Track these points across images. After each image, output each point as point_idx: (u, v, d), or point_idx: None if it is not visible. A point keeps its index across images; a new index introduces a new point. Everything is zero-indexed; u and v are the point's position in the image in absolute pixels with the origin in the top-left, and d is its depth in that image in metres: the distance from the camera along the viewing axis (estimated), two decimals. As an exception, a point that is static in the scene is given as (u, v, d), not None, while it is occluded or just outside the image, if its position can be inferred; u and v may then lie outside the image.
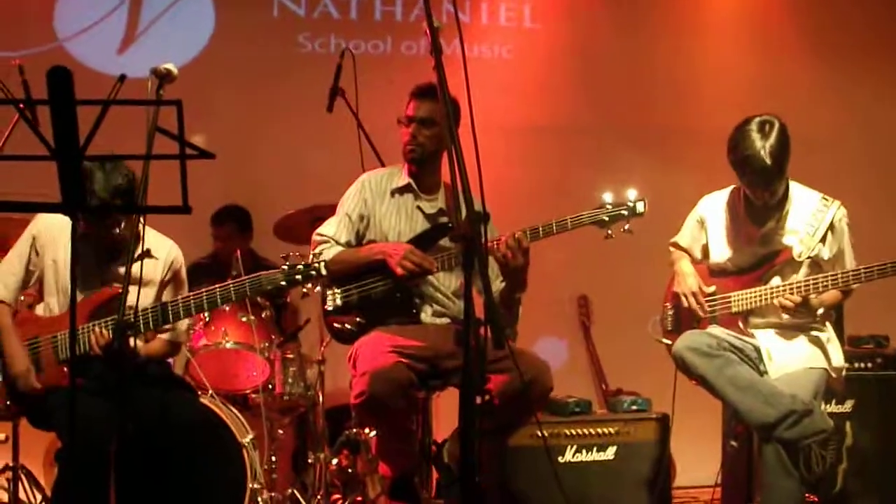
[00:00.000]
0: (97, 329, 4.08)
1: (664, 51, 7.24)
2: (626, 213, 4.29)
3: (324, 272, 4.06)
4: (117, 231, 4.25)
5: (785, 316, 4.42)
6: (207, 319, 5.27)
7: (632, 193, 4.29)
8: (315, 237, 4.59)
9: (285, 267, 4.05)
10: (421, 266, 4.33)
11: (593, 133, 6.98)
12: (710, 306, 4.59)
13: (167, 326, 4.41)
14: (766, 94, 6.91)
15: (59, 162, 2.84)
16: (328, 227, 4.58)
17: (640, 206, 4.29)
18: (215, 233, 6.42)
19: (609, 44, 7.18)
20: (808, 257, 4.43)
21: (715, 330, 4.54)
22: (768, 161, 4.26)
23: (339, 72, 5.50)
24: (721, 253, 4.64)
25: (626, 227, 4.30)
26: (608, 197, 4.30)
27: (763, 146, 4.25)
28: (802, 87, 7.25)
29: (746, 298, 4.50)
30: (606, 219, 4.29)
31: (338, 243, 4.53)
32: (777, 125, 4.32)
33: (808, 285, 4.38)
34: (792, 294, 4.37)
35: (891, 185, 7.29)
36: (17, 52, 6.12)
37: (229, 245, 6.24)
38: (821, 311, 4.48)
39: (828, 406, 5.09)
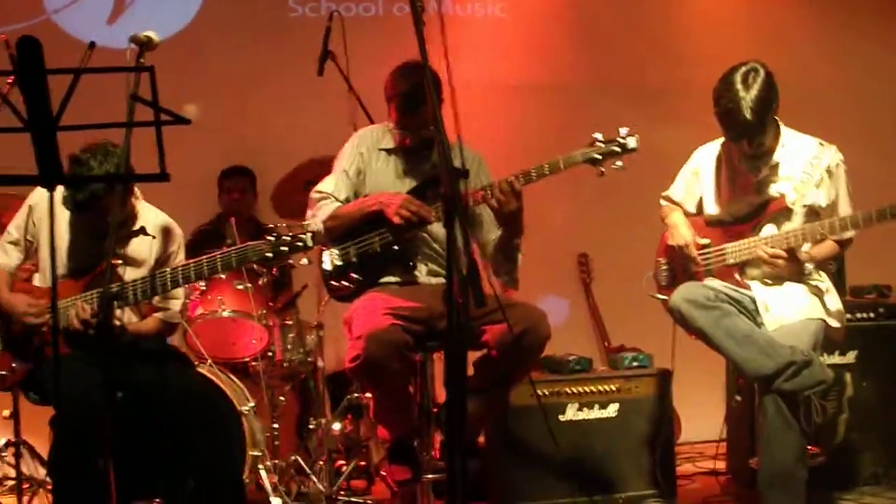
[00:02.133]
0: (78, 303, 4.07)
1: (658, 5, 7.18)
2: (617, 149, 4.20)
3: (311, 244, 4.03)
4: (111, 218, 4.21)
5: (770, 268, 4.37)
6: (204, 288, 5.25)
7: (622, 130, 4.22)
8: (313, 195, 4.56)
9: (271, 238, 4.02)
10: (418, 214, 4.29)
11: (587, 90, 6.93)
12: (704, 258, 4.55)
13: (161, 304, 4.41)
14: (761, 47, 6.81)
15: (33, 133, 2.81)
16: (326, 184, 4.56)
17: (631, 142, 4.19)
18: (230, 185, 6.34)
19: (602, 0, 7.11)
20: (804, 205, 4.38)
21: (712, 282, 4.50)
22: (748, 115, 4.20)
23: (329, 35, 5.49)
24: (716, 204, 4.59)
25: (619, 163, 4.21)
26: (599, 135, 4.23)
27: (745, 98, 4.20)
28: (797, 39, 7.19)
29: (740, 249, 4.45)
30: (598, 156, 4.20)
31: (337, 199, 4.51)
32: (762, 74, 4.26)
33: (794, 236, 4.34)
34: (775, 246, 4.33)
35: (887, 132, 7.22)
36: (7, 26, 6.08)
37: (241, 203, 6.23)
38: (810, 265, 4.44)
39: (830, 357, 5.07)
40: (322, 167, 4.87)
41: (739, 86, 4.22)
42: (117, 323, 4.21)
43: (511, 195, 4.17)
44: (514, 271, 4.47)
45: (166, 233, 4.45)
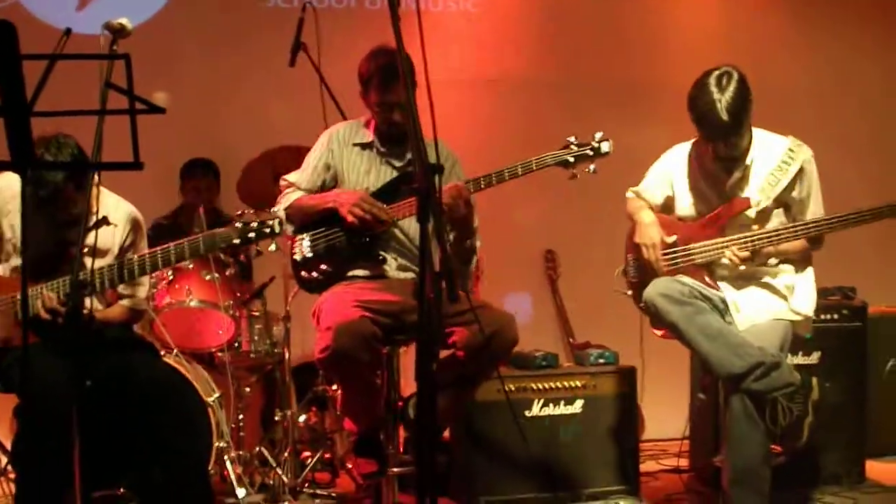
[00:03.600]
0: (44, 292, 4.04)
1: (633, 3, 7.19)
2: (590, 153, 4.26)
3: (278, 230, 4.02)
4: (74, 211, 4.17)
5: (742, 267, 4.40)
6: (171, 278, 5.22)
7: (597, 134, 4.26)
8: (281, 182, 4.62)
9: (239, 225, 4.01)
10: (372, 213, 4.30)
11: (561, 87, 6.93)
12: (671, 258, 4.57)
13: (126, 291, 4.38)
14: (738, 47, 6.89)
15: (6, 119, 2.79)
16: (293, 174, 4.60)
17: (604, 146, 4.25)
18: (193, 184, 6.27)
19: (575, -4, 7.14)
20: (765, 207, 4.41)
21: (684, 279, 4.52)
22: (725, 117, 4.23)
23: (301, 26, 5.48)
24: (687, 205, 4.61)
25: (592, 167, 4.27)
26: (572, 138, 4.27)
27: (720, 100, 4.23)
28: (774, 40, 7.24)
29: (707, 250, 4.48)
30: (571, 159, 4.26)
31: (299, 188, 4.54)
32: (735, 77, 4.28)
33: (760, 238, 4.37)
34: (741, 248, 4.36)
35: (867, 135, 7.30)
36: (-25, 9, 6.03)
37: (205, 196, 6.19)
38: (772, 261, 4.48)
39: (794, 357, 5.11)
40: (293, 156, 4.86)
41: (714, 88, 4.25)
42: (85, 311, 4.18)
43: (459, 200, 4.20)
44: (466, 272, 4.49)
45: (129, 221, 4.43)
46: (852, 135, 7.19)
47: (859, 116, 7.34)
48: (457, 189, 4.21)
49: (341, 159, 4.53)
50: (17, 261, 4.30)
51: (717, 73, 4.30)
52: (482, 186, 4.27)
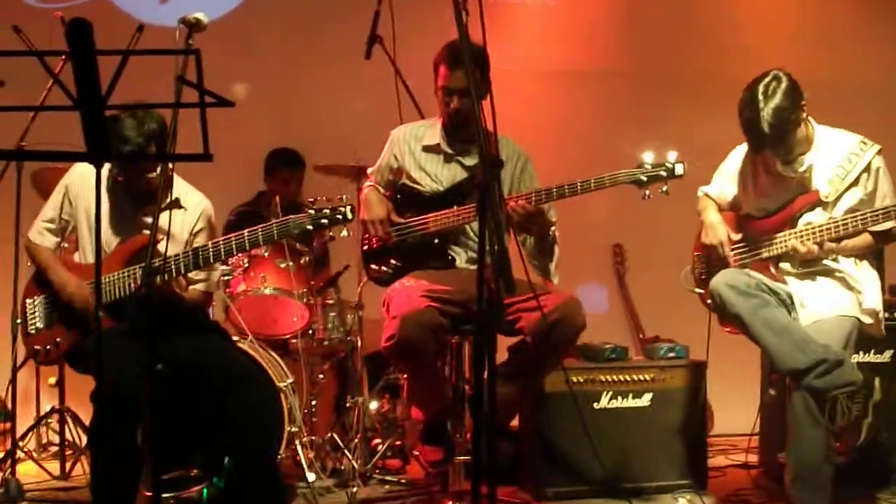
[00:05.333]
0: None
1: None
2: (664, 174, 4.29)
3: (350, 216, 4.12)
4: (151, 176, 4.31)
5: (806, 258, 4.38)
6: (247, 266, 5.32)
7: (671, 155, 4.29)
8: (367, 171, 4.84)
9: (311, 212, 4.10)
10: (377, 236, 4.58)
11: (635, 79, 6.94)
12: (739, 254, 4.58)
13: (201, 276, 4.49)
14: (808, 41, 6.83)
15: (82, 112, 2.89)
16: (373, 169, 4.80)
17: (679, 169, 4.28)
18: (284, 176, 6.31)
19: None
20: (839, 199, 4.38)
21: (751, 272, 4.52)
22: (765, 128, 4.23)
23: (377, 18, 5.52)
24: (754, 202, 4.61)
25: (664, 188, 4.30)
26: (648, 157, 4.29)
27: (763, 109, 4.21)
28: (846, 32, 7.14)
29: (774, 244, 4.47)
30: (644, 179, 4.29)
31: (375, 184, 4.72)
32: (784, 84, 4.26)
33: (827, 229, 4.35)
34: (806, 239, 4.34)
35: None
36: (62, 3, 6.20)
37: (293, 188, 6.27)
38: (833, 256, 4.44)
39: (866, 355, 5.05)
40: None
41: (760, 97, 4.24)
42: (176, 289, 4.32)
43: (527, 218, 4.28)
44: (548, 265, 4.53)
45: (199, 208, 4.56)
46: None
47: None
48: (521, 206, 4.27)
49: (408, 162, 4.63)
50: (89, 246, 4.45)
51: (766, 79, 4.28)
52: (554, 197, 4.32)
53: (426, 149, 4.63)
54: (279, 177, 6.31)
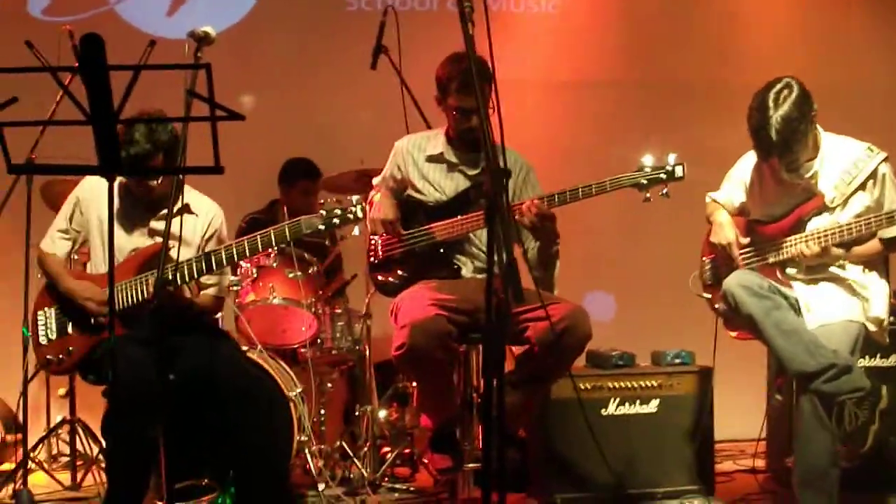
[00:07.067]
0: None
1: (710, 3, 7.19)
2: (664, 176, 4.32)
3: (360, 215, 4.20)
4: (152, 184, 4.36)
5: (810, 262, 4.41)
6: (255, 276, 5.36)
7: (671, 157, 4.32)
8: (374, 183, 4.84)
9: (322, 212, 4.16)
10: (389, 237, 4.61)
11: (638, 87, 6.95)
12: (746, 258, 4.60)
13: (212, 281, 4.53)
14: (814, 51, 6.84)
15: (94, 126, 2.93)
16: (378, 179, 4.81)
17: (678, 171, 4.31)
18: (304, 186, 6.25)
19: (653, -2, 7.16)
20: (844, 203, 4.40)
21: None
22: (774, 136, 4.25)
23: (383, 29, 5.57)
24: (762, 208, 4.64)
25: (665, 191, 4.33)
26: (648, 160, 4.32)
27: (773, 117, 4.24)
28: (850, 43, 7.14)
29: (780, 248, 4.50)
30: (645, 182, 4.32)
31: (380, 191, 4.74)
32: (795, 92, 4.28)
33: (832, 234, 4.37)
34: (812, 242, 4.37)
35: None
36: (71, 16, 6.25)
37: (312, 199, 6.14)
38: (841, 263, 4.46)
39: (872, 360, 5.07)
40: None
41: (770, 104, 4.26)
42: (187, 294, 4.36)
43: (537, 217, 4.29)
44: (550, 277, 4.57)
45: (210, 214, 4.61)
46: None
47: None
48: (535, 206, 4.29)
49: (411, 173, 4.66)
50: (100, 255, 4.50)
51: (777, 86, 4.30)
52: (556, 203, 4.34)
53: (430, 159, 4.66)
54: (300, 187, 6.27)
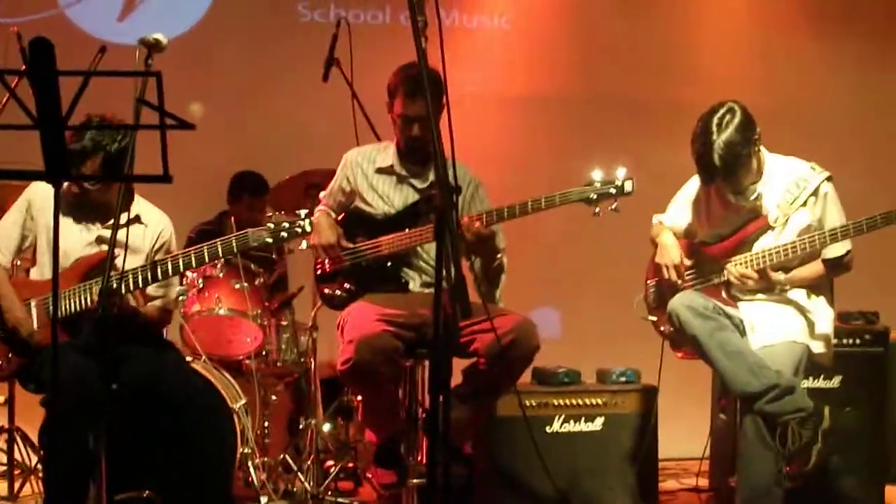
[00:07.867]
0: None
1: (661, 21, 7.23)
2: (613, 191, 4.33)
3: (308, 229, 4.16)
4: (89, 187, 4.31)
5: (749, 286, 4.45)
6: (201, 286, 5.31)
7: (620, 172, 4.33)
8: (321, 196, 4.83)
9: (270, 225, 4.14)
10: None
11: (590, 104, 7.00)
12: (690, 278, 4.63)
13: (158, 292, 4.48)
14: (769, 68, 6.91)
15: (42, 131, 2.89)
16: (325, 193, 4.79)
17: (627, 186, 4.33)
18: (249, 202, 6.25)
19: (607, 15, 7.17)
20: (786, 223, 4.45)
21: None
22: (716, 161, 4.32)
23: (335, 42, 5.55)
24: (709, 230, 4.68)
25: (614, 205, 4.34)
26: (597, 175, 4.34)
27: (715, 141, 4.30)
28: (804, 59, 7.21)
29: (722, 270, 4.53)
30: (594, 196, 4.33)
31: (327, 207, 4.72)
32: (737, 117, 4.34)
33: (768, 255, 4.42)
34: (747, 266, 4.41)
35: (878, 150, 7.26)
36: (19, 18, 6.17)
37: (257, 215, 6.12)
38: (786, 287, 4.51)
39: (815, 381, 5.11)
40: (326, 177, 4.96)
41: (713, 129, 4.32)
42: (132, 303, 4.31)
43: (477, 237, 4.31)
44: (494, 290, 4.57)
45: (160, 225, 4.56)
46: (882, 157, 7.17)
47: (871, 131, 7.27)
48: (473, 226, 4.30)
49: (360, 184, 4.65)
50: (47, 261, 4.43)
51: (720, 112, 4.35)
52: (505, 217, 4.35)
53: (379, 171, 4.66)
54: (245, 202, 6.28)
